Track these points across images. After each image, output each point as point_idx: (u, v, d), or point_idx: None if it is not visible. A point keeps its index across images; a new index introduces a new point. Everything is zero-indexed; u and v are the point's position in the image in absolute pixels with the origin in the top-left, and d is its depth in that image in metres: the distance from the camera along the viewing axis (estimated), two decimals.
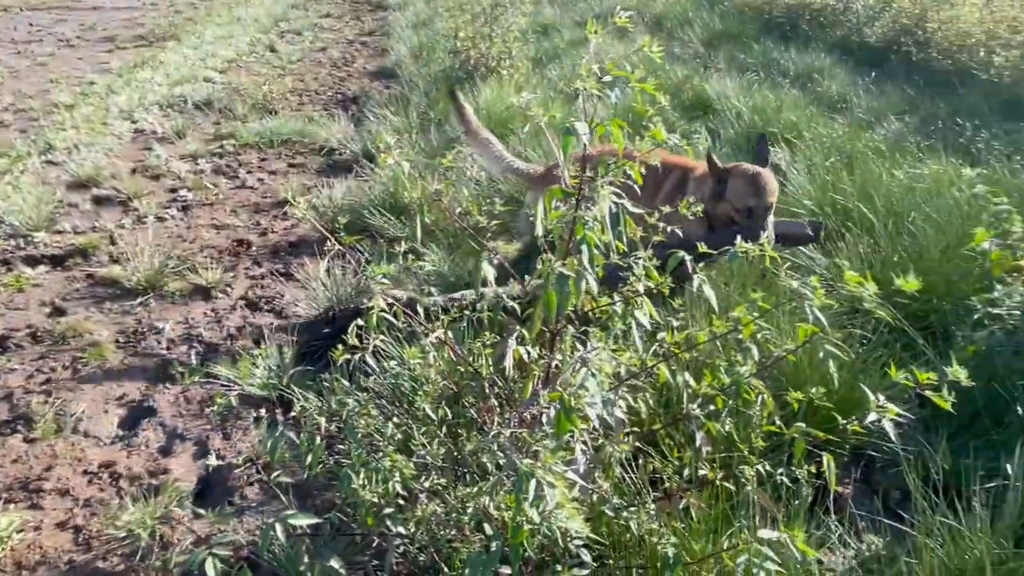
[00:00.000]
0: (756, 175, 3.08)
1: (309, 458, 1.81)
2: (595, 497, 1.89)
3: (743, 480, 1.87)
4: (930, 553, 2.00)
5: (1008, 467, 2.19)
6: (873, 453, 2.54)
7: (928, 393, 1.65)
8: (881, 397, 1.69)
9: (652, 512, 1.88)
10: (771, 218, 3.09)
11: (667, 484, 2.04)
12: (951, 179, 3.95)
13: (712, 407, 1.87)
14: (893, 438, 1.65)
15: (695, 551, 1.89)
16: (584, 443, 1.90)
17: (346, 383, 2.07)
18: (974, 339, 2.76)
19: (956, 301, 3.01)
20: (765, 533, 1.70)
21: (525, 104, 1.56)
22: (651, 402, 1.91)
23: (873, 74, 6.52)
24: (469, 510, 1.58)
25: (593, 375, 1.55)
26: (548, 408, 1.49)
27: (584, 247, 1.37)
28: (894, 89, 6.22)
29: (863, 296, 1.63)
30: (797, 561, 1.88)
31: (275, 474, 2.30)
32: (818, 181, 4.12)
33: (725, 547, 1.83)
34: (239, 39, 9.38)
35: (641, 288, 1.69)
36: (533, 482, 1.13)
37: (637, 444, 2.13)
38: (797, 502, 2.18)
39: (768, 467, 1.80)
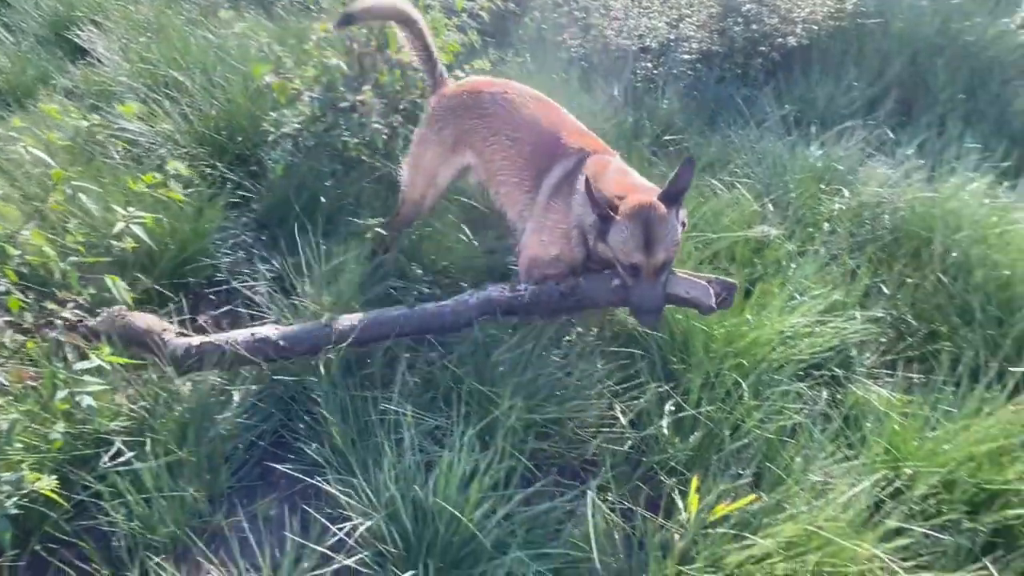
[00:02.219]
0: (649, 223, 2.23)
1: None
2: None
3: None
4: None
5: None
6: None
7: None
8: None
9: None
10: (664, 277, 2.30)
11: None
12: (255, 33, 4.37)
13: None
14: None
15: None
16: None
17: None
18: (277, 158, 3.27)
19: (259, 132, 3.48)
20: (79, 365, 1.84)
21: None
22: None
23: None
24: None
25: None
26: None
27: None
28: None
29: None
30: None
31: None
32: (132, 57, 4.11)
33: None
34: None
35: None
36: None
37: None
38: None
39: None
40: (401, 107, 3.47)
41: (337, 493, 2.10)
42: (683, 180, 2.28)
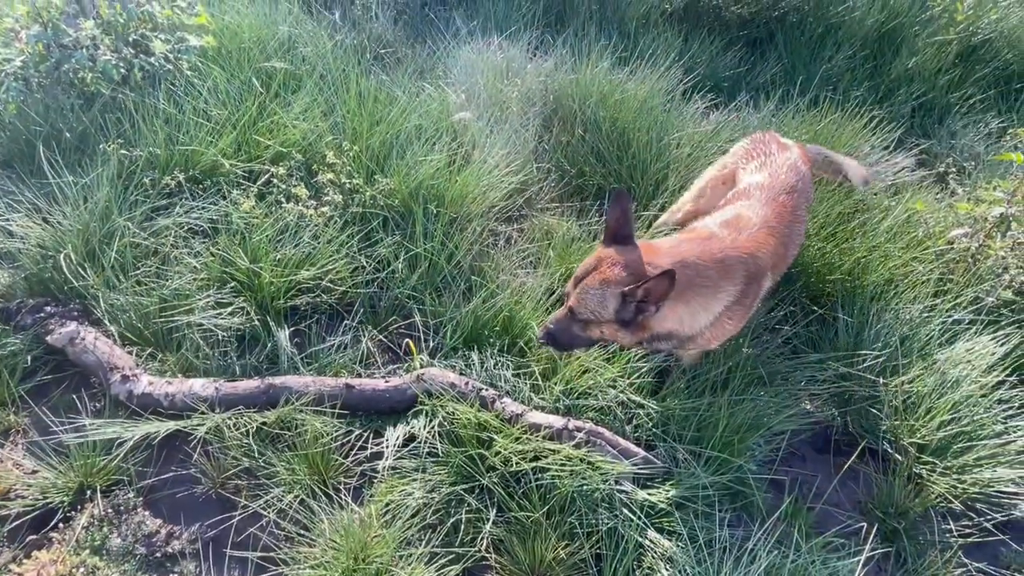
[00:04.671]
0: (588, 267, 2.30)
1: None
2: None
3: None
4: None
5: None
6: None
7: None
8: None
9: None
10: (574, 327, 2.35)
11: None
12: None
13: None
14: None
15: None
16: None
17: None
18: (6, 97, 3.39)
19: None
20: None
21: None
22: None
23: None
24: None
25: None
26: None
27: None
28: None
29: None
30: None
31: None
32: None
33: None
34: None
35: None
36: None
37: None
38: None
39: None
40: (131, 39, 3.71)
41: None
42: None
